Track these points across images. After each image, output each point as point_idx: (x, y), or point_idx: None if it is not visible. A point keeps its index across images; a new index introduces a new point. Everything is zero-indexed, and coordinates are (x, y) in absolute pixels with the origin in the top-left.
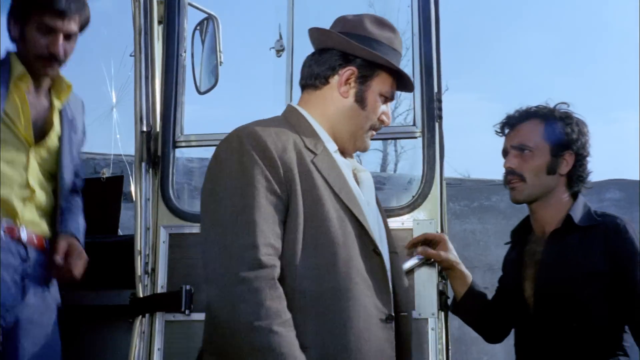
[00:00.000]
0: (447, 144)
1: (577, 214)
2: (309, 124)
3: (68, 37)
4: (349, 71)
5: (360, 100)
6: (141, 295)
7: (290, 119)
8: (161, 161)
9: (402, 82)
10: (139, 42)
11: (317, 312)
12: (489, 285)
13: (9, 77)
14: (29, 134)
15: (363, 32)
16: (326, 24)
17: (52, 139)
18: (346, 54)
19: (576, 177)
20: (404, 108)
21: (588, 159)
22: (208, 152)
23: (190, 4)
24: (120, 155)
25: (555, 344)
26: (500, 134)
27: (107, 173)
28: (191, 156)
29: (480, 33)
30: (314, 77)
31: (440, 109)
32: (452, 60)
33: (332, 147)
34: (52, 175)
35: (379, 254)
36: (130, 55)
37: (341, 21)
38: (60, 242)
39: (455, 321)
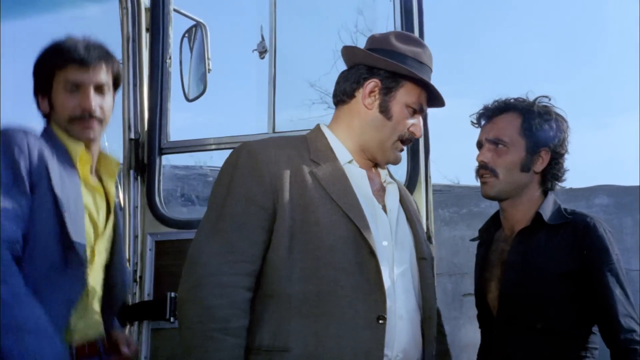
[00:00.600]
0: (437, 150)
1: (547, 212)
2: (325, 138)
3: (100, 90)
4: (372, 83)
5: (385, 110)
6: (130, 304)
7: (309, 135)
8: (147, 168)
9: (433, 97)
10: (127, 49)
11: (302, 314)
12: None
13: (62, 156)
14: (101, 227)
15: (388, 46)
16: (309, 25)
17: (109, 228)
18: (371, 67)
19: (551, 175)
20: None
21: (566, 156)
22: (194, 159)
23: (176, 10)
24: None
25: (519, 346)
26: (477, 126)
27: None
28: (178, 163)
29: (471, 38)
30: (342, 93)
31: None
32: (443, 66)
33: (344, 158)
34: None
35: (374, 255)
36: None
37: (370, 39)
38: (122, 337)
39: (446, 327)
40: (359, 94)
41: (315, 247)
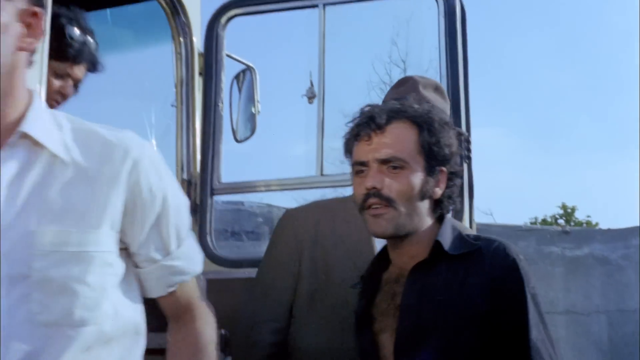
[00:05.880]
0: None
1: (447, 240)
2: None
3: None
4: None
5: None
6: None
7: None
8: (200, 209)
9: None
10: (180, 93)
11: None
12: None
13: None
14: None
15: None
16: (357, 69)
17: None
18: None
19: (446, 198)
20: None
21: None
22: (245, 197)
23: (228, 55)
24: None
25: None
26: (354, 140)
27: None
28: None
29: (503, 67)
30: None
31: (469, 149)
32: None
33: None
34: None
35: None
36: (172, 106)
37: None
38: None
39: None
40: None
41: (330, 304)
